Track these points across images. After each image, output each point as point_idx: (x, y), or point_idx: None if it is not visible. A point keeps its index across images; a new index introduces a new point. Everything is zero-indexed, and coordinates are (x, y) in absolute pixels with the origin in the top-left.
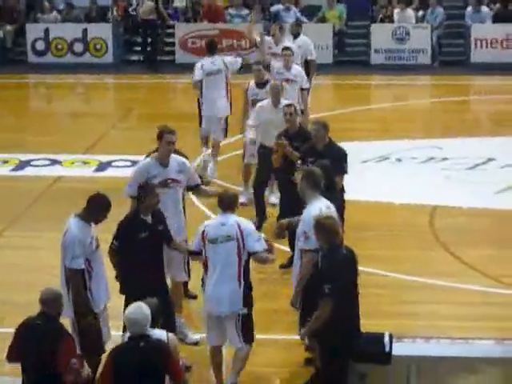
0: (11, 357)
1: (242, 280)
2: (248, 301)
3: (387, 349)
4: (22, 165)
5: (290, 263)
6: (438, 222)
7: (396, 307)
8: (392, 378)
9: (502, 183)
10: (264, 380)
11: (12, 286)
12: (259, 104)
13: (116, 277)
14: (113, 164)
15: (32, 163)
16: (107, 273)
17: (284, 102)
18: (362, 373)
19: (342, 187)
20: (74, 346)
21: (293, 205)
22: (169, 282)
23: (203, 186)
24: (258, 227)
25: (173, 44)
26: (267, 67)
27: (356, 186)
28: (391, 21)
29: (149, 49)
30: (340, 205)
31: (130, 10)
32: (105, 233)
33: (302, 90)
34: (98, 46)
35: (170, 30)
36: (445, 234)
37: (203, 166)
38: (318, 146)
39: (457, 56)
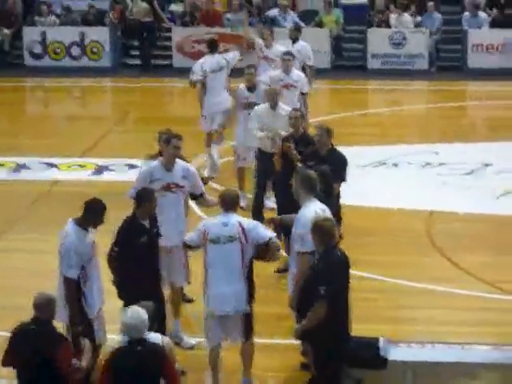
0: (5, 361)
1: (245, 279)
2: (251, 300)
3: (383, 354)
4: (19, 168)
5: (285, 267)
6: (434, 227)
7: (393, 312)
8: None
9: (499, 189)
10: None
11: (10, 291)
12: (256, 108)
13: (113, 282)
14: (110, 167)
15: (29, 167)
16: (102, 276)
17: (282, 105)
18: (358, 378)
19: (338, 193)
20: (71, 347)
21: (289, 207)
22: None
23: (206, 196)
24: None
25: (170, 48)
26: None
27: (353, 190)
28: (388, 26)
29: (146, 52)
30: (336, 211)
31: (127, 13)
32: (102, 236)
33: (302, 94)
34: (96, 50)
35: (167, 34)
36: (441, 240)
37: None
38: (320, 150)
39: (454, 61)
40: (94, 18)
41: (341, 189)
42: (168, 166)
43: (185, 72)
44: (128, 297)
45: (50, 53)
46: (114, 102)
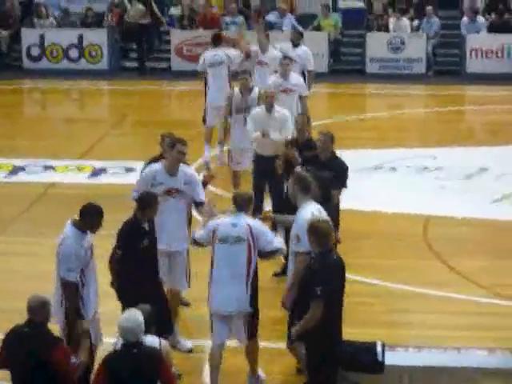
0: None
1: (249, 280)
2: (255, 300)
3: (380, 358)
4: (16, 170)
5: (283, 271)
6: (431, 231)
7: (389, 316)
8: None
9: (497, 193)
10: None
11: (7, 294)
12: (253, 111)
13: (112, 284)
14: (107, 170)
15: (26, 169)
16: (99, 279)
17: (277, 108)
18: (355, 382)
19: (338, 201)
20: (67, 347)
21: (285, 211)
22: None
23: (206, 207)
24: None
25: (168, 51)
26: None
27: (350, 194)
28: (387, 30)
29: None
30: (335, 218)
31: (126, 16)
32: (101, 240)
33: (300, 98)
34: (94, 53)
35: (165, 37)
36: (438, 244)
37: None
38: (322, 156)
39: (452, 66)
40: (93, 21)
41: (341, 196)
42: (171, 171)
43: (183, 75)
44: (128, 299)
45: (48, 55)
46: (111, 105)
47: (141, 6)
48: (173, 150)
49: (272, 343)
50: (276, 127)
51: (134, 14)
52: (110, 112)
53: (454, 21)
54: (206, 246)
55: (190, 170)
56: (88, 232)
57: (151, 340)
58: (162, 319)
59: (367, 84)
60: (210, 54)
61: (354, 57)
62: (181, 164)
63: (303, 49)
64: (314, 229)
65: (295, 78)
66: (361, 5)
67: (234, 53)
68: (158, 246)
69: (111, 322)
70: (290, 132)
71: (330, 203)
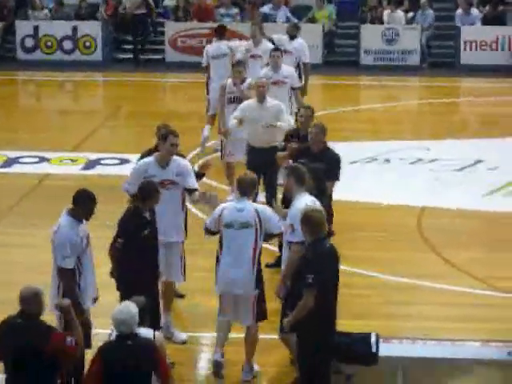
0: None
1: (255, 264)
2: (260, 282)
3: (374, 349)
4: (10, 162)
5: (277, 263)
6: (426, 223)
7: (383, 308)
8: (378, 379)
9: (491, 185)
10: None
11: (1, 285)
12: (245, 102)
13: (111, 273)
14: (101, 162)
15: (20, 160)
16: (96, 270)
17: (269, 99)
18: (349, 373)
19: (330, 194)
20: (61, 332)
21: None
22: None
23: (197, 193)
24: None
25: (163, 42)
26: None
27: (344, 186)
28: (381, 22)
29: (137, 46)
30: (328, 210)
31: (121, 8)
32: (95, 231)
33: (293, 89)
34: (88, 44)
35: (159, 29)
36: (433, 236)
37: (203, 141)
38: (314, 148)
39: (446, 58)
40: (87, 13)
41: (334, 187)
42: (163, 163)
43: (177, 67)
44: (126, 289)
45: (42, 47)
46: (105, 97)
47: None
48: (165, 143)
49: (266, 335)
50: (269, 118)
51: (131, 5)
52: (104, 103)
53: (449, 13)
54: (218, 233)
55: (183, 161)
56: (83, 221)
57: (145, 331)
58: (157, 312)
59: (361, 76)
60: (213, 47)
61: (349, 48)
62: (174, 156)
63: (299, 41)
64: (307, 218)
65: (286, 70)
66: None
67: (236, 44)
68: None
69: (108, 313)
70: (291, 121)
71: (324, 195)
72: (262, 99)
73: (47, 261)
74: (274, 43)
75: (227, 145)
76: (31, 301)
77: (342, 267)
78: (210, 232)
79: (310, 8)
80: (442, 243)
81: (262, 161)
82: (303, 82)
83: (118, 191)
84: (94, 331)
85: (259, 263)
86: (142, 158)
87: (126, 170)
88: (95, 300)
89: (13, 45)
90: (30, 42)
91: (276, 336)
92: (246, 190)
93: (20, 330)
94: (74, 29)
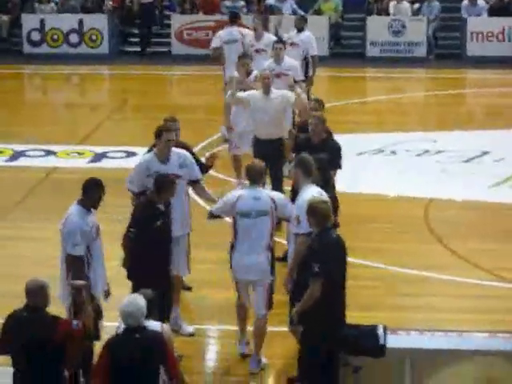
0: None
1: (270, 251)
2: (274, 269)
3: (381, 341)
4: (17, 155)
5: (286, 256)
6: (432, 214)
7: (390, 300)
8: (386, 371)
9: (497, 176)
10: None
11: (8, 278)
12: (252, 91)
13: (123, 263)
14: (107, 155)
15: (26, 154)
16: (106, 263)
17: (274, 91)
18: (356, 365)
19: (333, 183)
20: (66, 319)
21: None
22: None
23: (203, 183)
24: None
25: (169, 35)
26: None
27: (350, 178)
28: (387, 13)
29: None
30: (333, 201)
31: (127, 1)
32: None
33: (295, 82)
34: (94, 37)
35: (166, 21)
36: (440, 227)
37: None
38: (314, 139)
39: (452, 49)
40: (93, 6)
41: (337, 177)
42: (163, 158)
43: (183, 59)
44: (137, 279)
45: (49, 40)
46: (111, 90)
47: None
48: (160, 140)
49: (273, 327)
50: (273, 110)
51: None
52: (111, 96)
53: (455, 4)
54: (223, 217)
55: (182, 152)
56: (92, 210)
57: (153, 324)
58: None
59: (368, 68)
60: (225, 32)
61: (355, 40)
62: (173, 149)
63: (306, 34)
64: (313, 209)
65: (289, 62)
66: None
67: (247, 31)
68: None
69: (117, 307)
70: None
71: (328, 185)
72: (267, 91)
73: (54, 254)
74: (281, 40)
75: (233, 137)
76: (37, 294)
77: (348, 259)
78: (214, 217)
79: (316, 0)
80: (448, 234)
81: (267, 153)
82: (310, 74)
83: (125, 184)
84: (103, 324)
85: (273, 250)
86: (149, 151)
87: (133, 163)
88: (107, 295)
89: (19, 38)
90: (36, 36)
91: (283, 328)
92: (255, 177)
93: (26, 323)
94: (80, 22)
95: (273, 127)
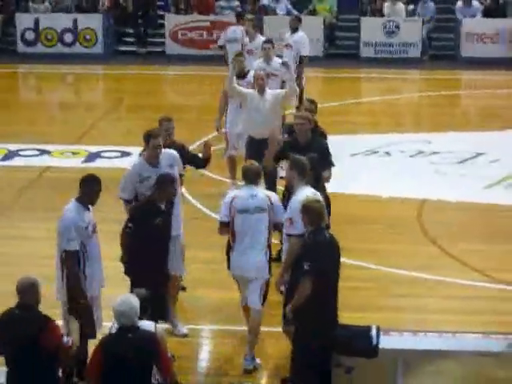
0: None
1: (267, 248)
2: (270, 267)
3: (374, 342)
4: (11, 155)
5: (278, 256)
6: (426, 215)
7: (384, 300)
8: (379, 371)
9: (491, 177)
10: (252, 371)
11: (1, 277)
12: (249, 90)
13: (121, 259)
14: (102, 154)
15: (21, 153)
16: (103, 261)
17: (269, 91)
18: (349, 366)
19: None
20: (58, 326)
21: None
22: None
23: (183, 178)
24: None
25: (163, 35)
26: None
27: (344, 179)
28: (381, 14)
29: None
30: (325, 199)
31: (122, 0)
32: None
33: (283, 82)
34: (88, 37)
35: (160, 21)
36: (433, 228)
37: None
38: (300, 139)
39: (447, 50)
40: (87, 5)
41: (332, 176)
42: (153, 163)
43: (178, 59)
44: (135, 274)
45: (43, 39)
46: (106, 89)
47: None
48: (148, 146)
49: (267, 327)
50: (267, 109)
51: None
52: (105, 96)
53: (449, 5)
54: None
55: (170, 152)
56: (89, 208)
57: (147, 324)
58: (159, 304)
59: (362, 68)
60: (229, 30)
61: (349, 41)
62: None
63: (299, 34)
64: (307, 208)
65: (277, 62)
66: None
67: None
68: None
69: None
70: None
71: (320, 184)
72: (262, 91)
73: (49, 253)
74: (270, 40)
75: (231, 138)
76: (28, 291)
77: (342, 260)
78: (226, 225)
79: (311, 0)
80: (442, 235)
81: (261, 153)
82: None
83: (119, 184)
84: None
85: (270, 248)
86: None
87: (127, 163)
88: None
89: (13, 38)
90: (30, 35)
91: (276, 328)
92: (252, 178)
93: (17, 321)
94: (75, 21)
95: (267, 127)
